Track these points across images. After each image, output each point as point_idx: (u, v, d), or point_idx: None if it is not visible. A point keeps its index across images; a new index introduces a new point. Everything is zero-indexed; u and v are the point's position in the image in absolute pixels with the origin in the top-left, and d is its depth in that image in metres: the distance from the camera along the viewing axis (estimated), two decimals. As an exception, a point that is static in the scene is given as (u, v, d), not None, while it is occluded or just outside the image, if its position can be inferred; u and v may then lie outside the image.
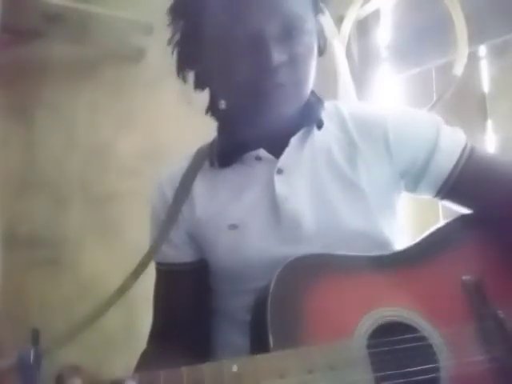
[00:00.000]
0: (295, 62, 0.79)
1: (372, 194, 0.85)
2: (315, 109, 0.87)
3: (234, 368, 0.64)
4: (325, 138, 0.88)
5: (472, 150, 0.87)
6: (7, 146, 1.53)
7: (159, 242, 0.88)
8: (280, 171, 0.85)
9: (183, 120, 1.61)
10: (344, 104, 0.94)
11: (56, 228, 1.59)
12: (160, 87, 1.67)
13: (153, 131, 1.70)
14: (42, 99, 1.60)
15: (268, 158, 0.87)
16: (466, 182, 0.87)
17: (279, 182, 0.85)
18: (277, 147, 0.86)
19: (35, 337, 0.63)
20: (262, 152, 0.87)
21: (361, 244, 0.82)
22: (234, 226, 0.84)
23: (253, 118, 0.82)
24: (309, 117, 0.86)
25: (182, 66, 0.89)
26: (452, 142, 0.87)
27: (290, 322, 0.70)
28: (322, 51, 0.89)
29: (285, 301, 0.71)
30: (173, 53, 0.88)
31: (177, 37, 0.87)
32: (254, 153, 0.87)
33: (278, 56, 0.77)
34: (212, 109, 0.92)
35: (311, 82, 0.84)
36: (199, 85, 0.90)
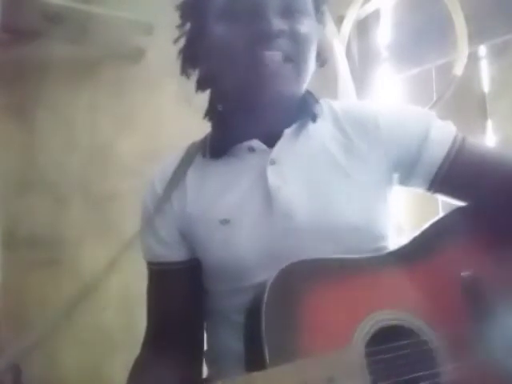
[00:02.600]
0: (295, 37, 0.80)
1: (367, 188, 0.84)
2: (310, 104, 0.87)
3: None
4: (320, 132, 0.87)
5: (463, 140, 0.87)
6: (7, 146, 1.53)
7: (145, 230, 0.87)
8: (273, 162, 0.84)
9: (183, 120, 1.60)
10: (335, 102, 0.94)
11: (56, 228, 1.59)
12: (160, 87, 1.67)
13: (153, 131, 1.70)
14: (42, 99, 1.60)
15: (261, 148, 0.85)
16: (458, 172, 0.86)
17: (272, 173, 0.83)
18: (270, 139, 0.85)
19: (17, 375, 0.61)
20: (255, 142, 0.85)
21: (355, 237, 0.81)
22: (225, 221, 0.83)
23: (250, 98, 0.82)
24: (304, 111, 0.86)
25: (187, 66, 0.90)
26: (443, 132, 0.87)
27: (286, 332, 0.67)
28: (323, 62, 0.90)
29: (279, 310, 0.68)
30: (179, 54, 0.89)
31: (183, 38, 0.88)
32: (246, 143, 0.86)
33: (277, 23, 0.78)
34: (211, 113, 0.92)
35: (310, 70, 0.84)
36: (201, 85, 0.90)
